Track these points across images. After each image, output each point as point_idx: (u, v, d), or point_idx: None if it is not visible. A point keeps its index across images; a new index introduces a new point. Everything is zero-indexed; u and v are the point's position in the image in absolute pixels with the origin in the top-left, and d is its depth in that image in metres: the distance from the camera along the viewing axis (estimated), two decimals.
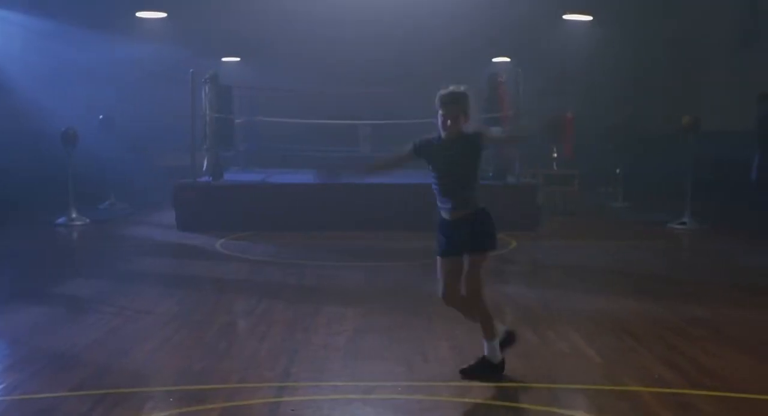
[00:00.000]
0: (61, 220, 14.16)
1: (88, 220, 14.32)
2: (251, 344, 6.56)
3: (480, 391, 5.30)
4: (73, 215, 14.24)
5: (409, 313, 7.58)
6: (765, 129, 13.26)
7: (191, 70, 13.92)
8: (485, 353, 5.57)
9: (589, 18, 20.27)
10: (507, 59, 20.74)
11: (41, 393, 5.30)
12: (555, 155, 17.39)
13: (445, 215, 5.56)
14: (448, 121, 5.43)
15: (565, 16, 20.27)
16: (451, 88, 5.51)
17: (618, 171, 17.63)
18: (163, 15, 19.43)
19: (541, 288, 8.96)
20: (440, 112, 5.47)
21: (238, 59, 21.83)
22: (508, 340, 5.73)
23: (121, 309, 7.87)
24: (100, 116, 16.88)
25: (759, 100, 13.48)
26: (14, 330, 7.05)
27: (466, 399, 5.15)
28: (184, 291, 8.86)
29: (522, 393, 5.32)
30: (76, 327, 7.09)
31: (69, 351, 6.29)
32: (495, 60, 21.03)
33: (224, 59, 21.42)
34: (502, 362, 5.59)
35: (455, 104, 5.45)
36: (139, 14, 19.46)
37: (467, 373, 5.55)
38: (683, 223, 13.94)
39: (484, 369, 5.54)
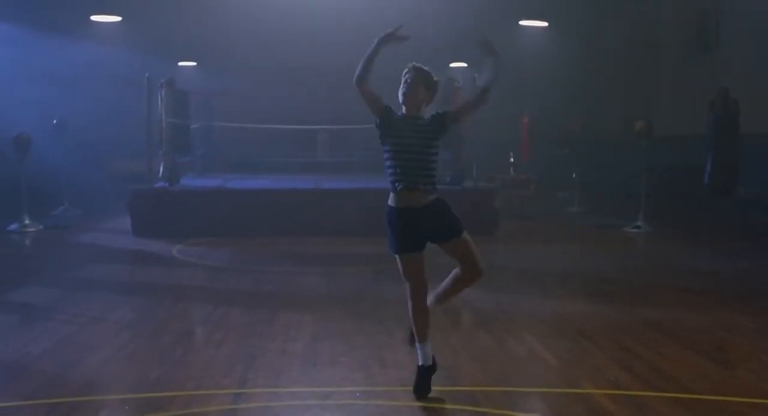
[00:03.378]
0: (13, 227, 13.94)
1: (41, 227, 14.12)
2: (207, 351, 6.51)
3: (439, 395, 5.30)
4: (26, 221, 14.03)
5: (367, 319, 7.57)
6: (717, 134, 13.45)
7: (147, 75, 13.80)
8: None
9: (544, 24, 20.44)
10: (464, 64, 20.85)
11: None
12: (512, 160, 17.52)
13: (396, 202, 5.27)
14: (413, 89, 5.27)
15: (522, 22, 20.43)
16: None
17: (574, 175, 17.80)
18: (117, 19, 19.24)
19: (498, 292, 8.99)
20: (407, 79, 5.31)
21: (194, 64, 21.69)
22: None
23: (75, 316, 7.76)
24: (54, 121, 16.65)
25: (711, 105, 13.68)
26: None
27: (425, 404, 5.15)
28: (139, 298, 8.77)
29: (480, 397, 5.34)
30: (28, 336, 6.98)
31: (21, 359, 6.19)
32: (452, 65, 21.12)
33: (180, 63, 21.27)
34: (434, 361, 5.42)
35: (422, 75, 5.33)
36: (94, 18, 19.25)
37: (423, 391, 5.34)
38: (637, 227, 14.11)
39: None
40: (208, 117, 18.11)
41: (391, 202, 5.34)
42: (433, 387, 5.36)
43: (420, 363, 5.36)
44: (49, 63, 18.30)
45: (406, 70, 5.38)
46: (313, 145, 19.65)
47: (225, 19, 19.68)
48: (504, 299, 8.61)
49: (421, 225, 5.28)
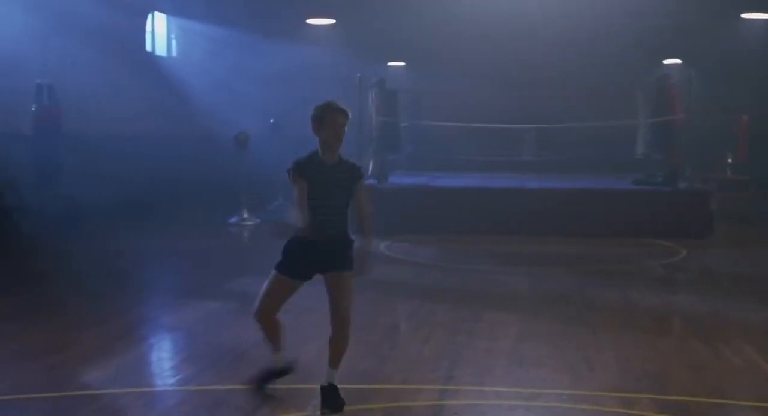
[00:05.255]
0: (233, 220, 14.76)
1: (258, 220, 14.84)
2: (414, 346, 6.62)
3: (648, 403, 5.14)
4: (245, 215, 14.81)
5: (573, 321, 7.46)
6: None
7: (358, 75, 14.17)
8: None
9: None
10: (678, 61, 20.07)
11: (214, 385, 5.54)
12: (729, 160, 16.70)
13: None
14: (341, 135, 5.10)
15: (744, 15, 19.39)
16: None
17: None
18: (332, 21, 19.90)
19: (713, 298, 8.61)
20: (334, 122, 5.10)
21: (403, 64, 22.08)
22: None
23: (290, 306, 8.06)
24: (271, 120, 17.42)
25: None
26: (189, 325, 7.41)
27: (634, 411, 5.02)
28: None
29: (692, 408, 5.13)
30: (245, 324, 7.29)
31: (238, 346, 6.55)
32: (666, 62, 20.39)
33: (390, 64, 21.71)
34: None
35: (347, 118, 5.09)
36: (310, 21, 20.00)
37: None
38: None
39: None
40: (416, 115, 18.37)
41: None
42: (642, 395, 5.21)
43: None
44: (268, 65, 19.16)
45: (325, 108, 5.15)
46: (518, 144, 19.51)
47: (434, 21, 19.88)
48: (719, 305, 8.23)
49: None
